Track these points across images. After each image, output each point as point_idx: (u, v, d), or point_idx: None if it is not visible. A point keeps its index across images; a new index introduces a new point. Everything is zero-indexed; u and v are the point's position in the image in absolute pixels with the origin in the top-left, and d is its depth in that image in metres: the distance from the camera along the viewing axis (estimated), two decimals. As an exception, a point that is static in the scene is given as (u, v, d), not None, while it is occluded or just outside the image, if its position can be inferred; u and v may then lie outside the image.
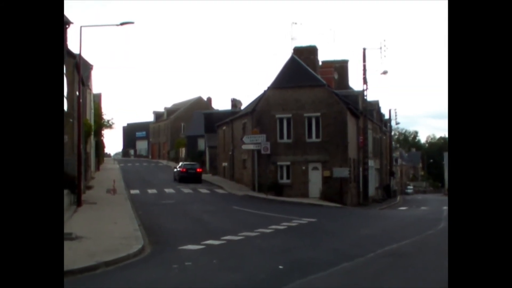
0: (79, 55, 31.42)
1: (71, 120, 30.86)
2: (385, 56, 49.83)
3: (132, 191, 41.51)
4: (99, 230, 20.95)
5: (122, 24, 30.00)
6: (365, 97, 49.72)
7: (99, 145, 67.29)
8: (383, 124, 73.22)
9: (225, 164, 58.77)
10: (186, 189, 44.37)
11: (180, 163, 59.86)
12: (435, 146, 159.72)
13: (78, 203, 29.23)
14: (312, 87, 44.99)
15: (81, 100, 32.91)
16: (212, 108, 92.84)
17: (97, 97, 64.82)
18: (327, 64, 55.22)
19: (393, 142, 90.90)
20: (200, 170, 55.55)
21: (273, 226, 24.02)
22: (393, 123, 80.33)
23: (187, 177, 52.22)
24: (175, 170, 56.20)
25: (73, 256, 15.19)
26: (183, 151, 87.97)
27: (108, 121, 66.00)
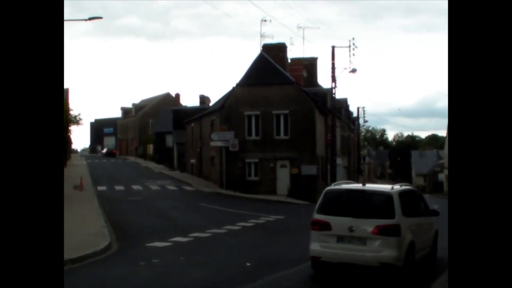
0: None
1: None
2: (353, 55, 49.80)
3: (100, 188, 41.16)
4: (65, 227, 20.70)
5: (90, 19, 29.73)
6: (333, 95, 49.95)
7: (66, 141, 66.55)
8: (351, 122, 73.72)
9: (193, 161, 58.62)
10: (154, 186, 44.17)
11: (105, 148, 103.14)
12: (402, 144, 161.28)
13: (44, 199, 28.85)
14: (281, 85, 44.98)
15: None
16: (180, 105, 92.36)
17: (64, 93, 64.12)
18: (296, 61, 55.12)
19: (361, 140, 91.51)
20: (115, 151, 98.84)
21: (241, 223, 24.09)
22: (361, 121, 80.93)
23: (108, 154, 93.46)
24: (103, 152, 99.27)
25: (39, 253, 15.04)
26: (151, 148, 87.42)
27: (75, 116, 65.05)
